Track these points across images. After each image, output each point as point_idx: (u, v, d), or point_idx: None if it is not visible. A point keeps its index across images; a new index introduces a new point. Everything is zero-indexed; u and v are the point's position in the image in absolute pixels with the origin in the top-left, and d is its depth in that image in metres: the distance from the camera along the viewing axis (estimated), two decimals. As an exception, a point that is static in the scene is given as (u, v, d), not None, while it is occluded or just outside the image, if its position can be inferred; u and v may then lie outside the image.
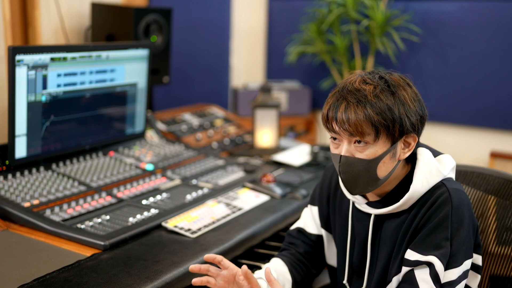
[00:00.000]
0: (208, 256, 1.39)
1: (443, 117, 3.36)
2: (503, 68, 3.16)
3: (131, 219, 1.75)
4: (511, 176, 1.57)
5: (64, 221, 1.70)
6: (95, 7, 2.67)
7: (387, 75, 1.36)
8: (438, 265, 1.28)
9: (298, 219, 1.66)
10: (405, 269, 1.33)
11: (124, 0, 3.00)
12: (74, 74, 2.02)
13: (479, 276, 1.42)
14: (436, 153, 1.43)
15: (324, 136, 3.68)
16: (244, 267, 1.32)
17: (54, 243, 1.61)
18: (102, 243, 1.58)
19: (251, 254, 1.82)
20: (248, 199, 2.04)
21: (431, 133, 3.34)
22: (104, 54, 2.12)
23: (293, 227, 1.64)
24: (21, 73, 1.82)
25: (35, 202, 1.77)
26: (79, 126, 2.09)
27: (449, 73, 3.31)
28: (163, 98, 3.46)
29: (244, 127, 3.02)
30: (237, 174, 2.29)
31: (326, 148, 2.58)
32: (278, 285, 1.31)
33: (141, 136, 2.42)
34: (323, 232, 1.58)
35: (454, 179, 1.42)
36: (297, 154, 2.61)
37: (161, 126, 2.68)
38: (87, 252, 1.56)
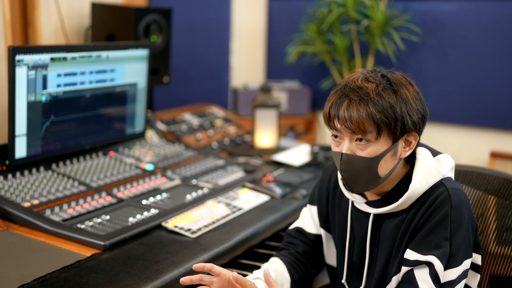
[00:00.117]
0: (197, 265, 1.36)
1: (443, 117, 3.36)
2: (503, 68, 3.16)
3: (131, 219, 1.75)
4: (511, 176, 1.57)
5: (64, 221, 1.70)
6: (95, 7, 2.67)
7: (389, 73, 1.36)
8: (438, 265, 1.28)
9: (297, 219, 1.66)
10: (404, 269, 1.33)
11: (124, 0, 3.00)
12: (74, 74, 2.03)
13: (478, 276, 1.42)
14: (435, 153, 1.43)
15: (324, 136, 3.68)
16: (234, 273, 1.31)
17: (54, 243, 1.61)
18: (102, 243, 1.58)
19: (251, 254, 1.82)
20: (248, 199, 2.04)
21: (431, 133, 3.34)
22: (104, 54, 2.12)
23: (292, 226, 1.64)
24: (21, 73, 1.82)
25: (35, 202, 1.77)
26: (79, 126, 2.09)
27: (449, 73, 3.31)
28: (163, 98, 3.46)
29: (244, 127, 3.02)
30: (237, 174, 2.29)
31: (326, 148, 2.58)
32: (277, 286, 1.31)
33: (141, 136, 2.42)
34: (322, 231, 1.58)
35: (453, 178, 1.42)
36: (297, 154, 2.61)
37: (161, 126, 2.68)
38: (87, 252, 1.56)
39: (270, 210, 1.96)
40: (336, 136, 1.36)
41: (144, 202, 1.90)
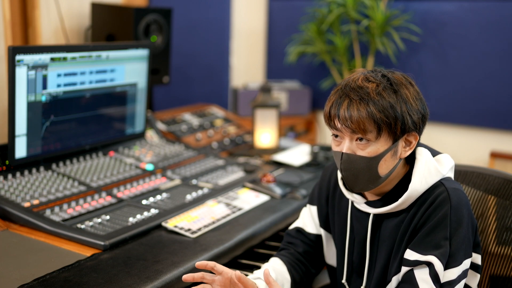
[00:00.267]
0: (199, 263, 1.36)
1: (443, 117, 3.36)
2: (503, 68, 3.16)
3: (131, 219, 1.75)
4: (511, 176, 1.57)
5: (64, 221, 1.70)
6: (95, 7, 2.67)
7: (389, 73, 1.36)
8: (438, 265, 1.28)
9: (297, 219, 1.66)
10: (404, 269, 1.33)
11: (124, 0, 3.00)
12: (74, 74, 2.03)
13: (478, 276, 1.42)
14: (435, 153, 1.43)
15: (324, 136, 3.68)
16: (237, 272, 1.31)
17: (54, 243, 1.61)
18: (102, 243, 1.58)
19: (251, 254, 1.82)
20: (248, 199, 2.04)
21: (431, 133, 3.34)
22: (104, 54, 2.12)
23: (291, 226, 1.64)
24: (21, 73, 1.82)
25: (35, 202, 1.77)
26: (79, 126, 2.09)
27: (449, 73, 3.31)
28: (163, 98, 3.46)
29: (244, 127, 3.02)
30: (237, 174, 2.29)
31: (326, 148, 2.58)
32: (277, 286, 1.31)
33: (141, 136, 2.42)
34: (322, 231, 1.58)
35: (453, 178, 1.42)
36: (297, 154, 2.61)
37: (161, 126, 2.68)
38: (87, 252, 1.56)
39: (270, 210, 1.96)
40: (336, 136, 1.36)
41: (144, 202, 1.90)
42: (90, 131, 2.15)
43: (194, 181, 2.15)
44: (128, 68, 2.25)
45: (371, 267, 1.45)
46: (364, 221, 1.45)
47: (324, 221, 1.58)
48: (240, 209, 1.94)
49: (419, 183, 1.34)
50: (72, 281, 1.39)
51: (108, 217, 1.76)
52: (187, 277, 1.35)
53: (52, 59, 1.92)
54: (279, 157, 2.54)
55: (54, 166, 2.01)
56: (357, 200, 1.44)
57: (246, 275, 1.42)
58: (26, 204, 1.75)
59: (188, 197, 1.98)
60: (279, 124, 2.78)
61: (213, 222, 1.81)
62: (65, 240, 1.63)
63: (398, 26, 3.31)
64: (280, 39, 3.75)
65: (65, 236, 1.63)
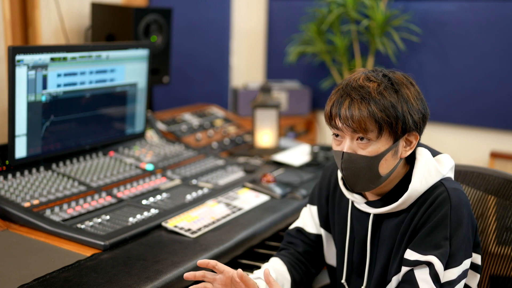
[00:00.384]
0: (201, 261, 1.36)
1: (443, 117, 3.36)
2: (503, 68, 3.16)
3: (131, 219, 1.75)
4: (511, 176, 1.57)
5: (64, 221, 1.70)
6: (95, 7, 2.67)
7: (390, 73, 1.36)
8: (438, 265, 1.28)
9: (297, 219, 1.66)
10: (404, 269, 1.33)
11: (124, 0, 3.00)
12: (74, 74, 2.03)
13: (478, 276, 1.42)
14: (435, 153, 1.43)
15: (324, 136, 3.68)
16: (239, 270, 1.31)
17: (54, 243, 1.61)
18: (102, 243, 1.58)
19: (251, 254, 1.82)
20: (248, 199, 2.04)
21: (431, 133, 3.34)
22: (104, 54, 2.12)
23: (292, 226, 1.64)
24: (21, 73, 1.82)
25: (35, 202, 1.77)
26: (79, 126, 2.09)
27: (449, 73, 3.31)
28: (163, 98, 3.46)
29: (244, 127, 3.02)
30: (237, 174, 2.29)
31: (326, 148, 2.58)
32: (277, 286, 1.31)
33: (141, 136, 2.42)
34: (322, 231, 1.58)
35: (453, 178, 1.42)
36: (297, 154, 2.61)
37: (161, 126, 2.68)
38: (87, 252, 1.56)
39: (270, 210, 1.96)
40: (337, 135, 1.36)
41: (144, 202, 1.90)
42: (90, 131, 2.15)
43: (194, 181, 2.15)
44: (128, 68, 2.25)
45: (371, 267, 1.45)
46: (364, 221, 1.45)
47: (324, 221, 1.58)
48: (240, 209, 1.94)
49: (419, 183, 1.34)
50: (72, 281, 1.39)
51: (108, 217, 1.76)
52: (189, 275, 1.36)
53: (52, 59, 1.92)
54: (279, 157, 2.54)
55: (54, 166, 2.01)
56: (357, 200, 1.44)
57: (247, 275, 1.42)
58: (26, 204, 1.75)
59: (188, 197, 1.98)
60: (279, 124, 2.78)
61: (213, 222, 1.81)
62: (65, 240, 1.63)
63: (398, 26, 3.31)
64: (280, 39, 3.75)
65: (65, 236, 1.63)
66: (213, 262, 1.36)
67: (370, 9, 3.21)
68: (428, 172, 1.35)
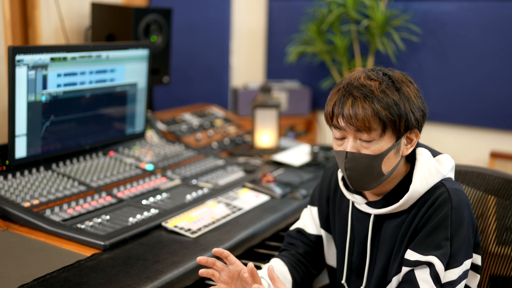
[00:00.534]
0: (216, 250, 1.38)
1: (443, 117, 3.36)
2: (503, 68, 3.17)
3: (131, 219, 1.75)
4: (511, 176, 1.57)
5: (64, 221, 1.70)
6: (95, 7, 2.67)
7: (389, 72, 1.37)
8: (438, 265, 1.28)
9: (298, 219, 1.66)
10: (405, 269, 1.33)
11: (124, 0, 3.00)
12: (74, 74, 2.02)
13: (478, 276, 1.42)
14: (435, 153, 1.43)
15: (324, 136, 3.68)
16: (251, 263, 1.33)
17: (54, 243, 1.61)
18: (102, 243, 1.58)
19: (251, 254, 1.82)
20: (248, 199, 2.04)
21: (431, 133, 3.34)
22: (104, 54, 2.12)
23: (292, 227, 1.64)
24: (21, 73, 1.82)
25: (35, 202, 1.77)
26: (79, 126, 2.09)
27: (449, 73, 3.31)
28: (163, 98, 3.46)
29: (244, 127, 3.02)
30: (237, 174, 2.29)
31: (326, 148, 2.58)
32: (281, 282, 1.31)
33: (141, 136, 2.42)
34: (322, 232, 1.58)
35: (453, 179, 1.42)
36: (297, 154, 2.61)
37: (161, 126, 2.68)
38: (87, 252, 1.56)
39: (270, 210, 1.96)
40: (340, 136, 1.35)
41: (144, 202, 1.90)
42: (90, 131, 2.15)
43: (194, 181, 2.15)
44: (128, 68, 2.25)
45: (371, 268, 1.45)
46: (365, 221, 1.45)
47: (325, 222, 1.58)
48: (240, 209, 1.94)
49: (419, 184, 1.34)
50: (72, 281, 1.39)
51: (108, 217, 1.76)
52: (202, 259, 1.37)
53: (52, 59, 1.92)
54: (279, 157, 2.54)
55: (54, 166, 2.01)
56: (357, 201, 1.44)
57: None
58: (26, 204, 1.74)
59: (188, 197, 1.98)
60: (279, 124, 2.78)
61: (213, 222, 1.81)
62: (65, 240, 1.63)
63: (398, 26, 3.31)
64: (280, 39, 3.74)
65: (65, 236, 1.63)
66: (227, 253, 1.38)
67: (370, 9, 3.21)
68: (428, 173, 1.35)
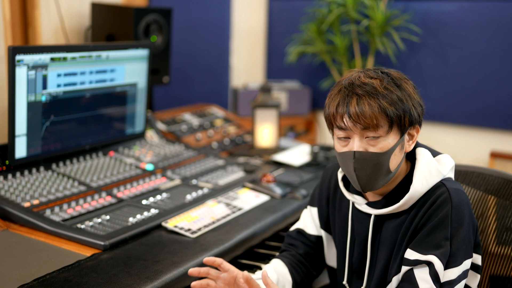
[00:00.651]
0: (207, 259, 1.37)
1: (443, 117, 3.36)
2: (503, 68, 3.16)
3: (131, 219, 1.75)
4: (511, 176, 1.57)
5: (64, 221, 1.70)
6: (95, 7, 2.67)
7: (386, 70, 1.38)
8: (438, 265, 1.28)
9: (298, 219, 1.66)
10: (404, 269, 1.33)
11: (124, 0, 3.00)
12: (74, 74, 2.03)
13: (478, 276, 1.42)
14: (435, 153, 1.43)
15: (324, 136, 3.68)
16: (245, 272, 1.32)
17: (54, 243, 1.61)
18: (102, 243, 1.58)
19: (251, 254, 1.82)
20: (248, 199, 2.04)
21: (431, 133, 3.34)
22: (104, 54, 2.12)
23: (292, 228, 1.64)
24: (21, 73, 1.82)
25: (35, 202, 1.77)
26: (79, 126, 2.09)
27: (449, 73, 3.31)
28: (163, 98, 3.46)
29: (244, 127, 3.02)
30: (237, 174, 2.29)
31: (326, 148, 2.58)
32: (276, 287, 1.31)
33: (141, 136, 2.42)
34: (322, 233, 1.58)
35: (453, 178, 1.42)
36: (297, 154, 2.61)
37: (161, 126, 2.68)
38: (87, 252, 1.56)
39: (270, 210, 1.96)
40: (344, 137, 1.35)
41: (144, 202, 1.90)
42: (90, 131, 2.15)
43: (194, 181, 2.15)
44: (128, 68, 2.25)
45: (371, 268, 1.45)
46: (365, 222, 1.44)
47: (325, 223, 1.57)
48: (240, 209, 1.94)
49: (420, 184, 1.34)
50: (72, 281, 1.39)
51: (108, 217, 1.76)
52: (193, 271, 1.36)
53: (52, 59, 1.92)
54: (279, 157, 2.54)
55: (54, 166, 2.01)
56: (358, 201, 1.44)
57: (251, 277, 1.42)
58: (26, 204, 1.74)
59: (188, 197, 1.98)
60: (279, 124, 2.78)
61: (213, 222, 1.81)
62: (65, 240, 1.63)
63: (398, 26, 3.31)
64: (280, 39, 3.74)
65: (65, 236, 1.63)
66: (219, 260, 1.36)
67: (370, 9, 3.21)
68: (429, 173, 1.35)
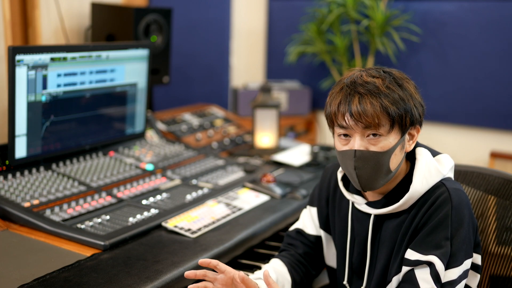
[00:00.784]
0: (203, 261, 1.35)
1: (443, 117, 3.36)
2: (503, 68, 3.16)
3: (131, 219, 1.75)
4: (511, 176, 1.57)
5: (64, 221, 1.70)
6: (95, 7, 2.67)
7: (388, 69, 1.37)
8: (439, 265, 1.28)
9: (297, 219, 1.66)
10: (405, 269, 1.33)
11: (124, 0, 3.00)
12: (74, 74, 2.03)
13: (478, 276, 1.42)
14: (434, 153, 1.43)
15: (324, 136, 3.68)
16: (241, 273, 1.31)
17: (54, 243, 1.61)
18: (102, 243, 1.58)
19: (251, 254, 1.82)
20: (248, 199, 2.04)
21: (431, 133, 3.34)
22: (104, 54, 2.12)
23: (292, 228, 1.64)
24: (21, 73, 1.82)
25: (35, 202, 1.77)
26: (79, 126, 2.09)
27: (449, 73, 3.31)
28: (163, 98, 3.46)
29: (244, 127, 3.02)
30: (237, 174, 2.29)
31: (326, 148, 2.58)
32: (277, 287, 1.31)
33: (141, 136, 2.42)
34: (322, 233, 1.58)
35: (453, 178, 1.42)
36: (297, 154, 2.61)
37: (161, 126, 2.68)
38: (87, 252, 1.56)
39: (270, 210, 1.96)
40: (345, 135, 1.35)
41: (144, 202, 1.90)
42: (90, 131, 2.15)
43: (194, 181, 2.15)
44: (128, 68, 2.25)
45: (371, 268, 1.45)
46: (365, 222, 1.44)
47: (324, 223, 1.57)
48: (240, 209, 1.94)
49: (420, 184, 1.34)
50: (72, 281, 1.39)
51: (108, 217, 1.76)
52: (189, 274, 1.35)
53: (52, 59, 1.92)
54: (279, 157, 2.54)
55: (54, 166, 2.01)
56: (357, 201, 1.44)
57: (247, 275, 1.42)
58: (26, 204, 1.74)
59: (188, 197, 1.98)
60: (279, 124, 2.78)
61: (213, 222, 1.81)
62: (65, 240, 1.63)
63: (398, 26, 3.31)
64: (280, 39, 3.75)
65: (65, 236, 1.63)
66: (215, 262, 1.35)
67: (370, 9, 3.21)
68: (428, 173, 1.35)
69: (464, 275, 1.32)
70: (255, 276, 1.45)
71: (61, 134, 2.02)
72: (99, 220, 1.73)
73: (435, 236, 1.30)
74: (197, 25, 3.52)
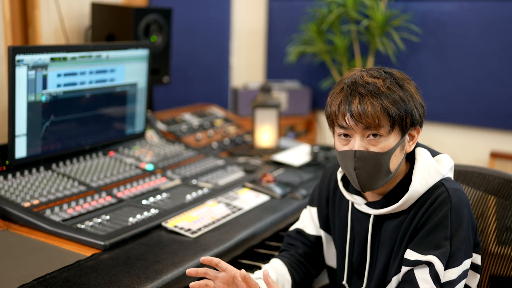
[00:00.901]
0: (204, 258, 1.36)
1: (443, 117, 3.36)
2: (503, 68, 3.16)
3: (131, 219, 1.75)
4: (511, 176, 1.57)
5: (64, 221, 1.70)
6: (95, 7, 2.67)
7: (389, 70, 1.37)
8: (438, 265, 1.29)
9: (297, 219, 1.66)
10: (404, 269, 1.33)
11: (124, 0, 3.00)
12: (74, 74, 2.03)
13: (478, 276, 1.42)
14: (434, 153, 1.43)
15: (324, 136, 3.68)
16: (242, 271, 1.31)
17: (54, 243, 1.61)
18: (102, 243, 1.58)
19: (251, 254, 1.82)
20: (248, 199, 2.04)
21: (431, 133, 3.34)
22: (104, 54, 2.12)
23: (292, 228, 1.64)
24: (21, 73, 1.82)
25: (35, 202, 1.77)
26: (79, 126, 2.10)
27: (449, 73, 3.31)
28: (163, 98, 3.46)
29: (244, 127, 3.02)
30: (237, 174, 2.29)
31: (326, 148, 2.58)
32: (276, 286, 1.31)
33: (141, 136, 2.42)
34: (322, 233, 1.58)
35: (453, 178, 1.42)
36: (297, 154, 2.61)
37: (161, 126, 2.68)
38: (87, 252, 1.56)
39: (270, 210, 1.96)
40: (345, 135, 1.35)
41: (144, 202, 1.90)
42: (90, 131, 2.15)
43: (194, 181, 2.15)
44: (128, 68, 2.25)
45: (371, 268, 1.45)
46: (364, 222, 1.44)
47: (324, 223, 1.57)
48: (240, 209, 1.94)
49: (419, 184, 1.34)
50: (72, 281, 1.39)
51: (108, 217, 1.76)
52: (191, 271, 1.35)
53: (52, 59, 1.92)
54: (279, 157, 2.54)
55: (54, 166, 2.01)
56: (357, 201, 1.44)
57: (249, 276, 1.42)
58: (26, 204, 1.74)
59: (188, 197, 1.98)
60: (279, 124, 2.78)
61: (213, 222, 1.81)
62: (65, 240, 1.63)
63: (398, 26, 3.31)
64: (280, 39, 3.75)
65: (65, 236, 1.63)
66: (216, 260, 1.35)
67: (370, 9, 3.21)
68: (428, 173, 1.35)
69: (464, 275, 1.32)
70: (255, 276, 1.45)
71: (61, 134, 2.02)
72: (99, 220, 1.73)
73: (434, 236, 1.30)
74: (197, 25, 3.52)
